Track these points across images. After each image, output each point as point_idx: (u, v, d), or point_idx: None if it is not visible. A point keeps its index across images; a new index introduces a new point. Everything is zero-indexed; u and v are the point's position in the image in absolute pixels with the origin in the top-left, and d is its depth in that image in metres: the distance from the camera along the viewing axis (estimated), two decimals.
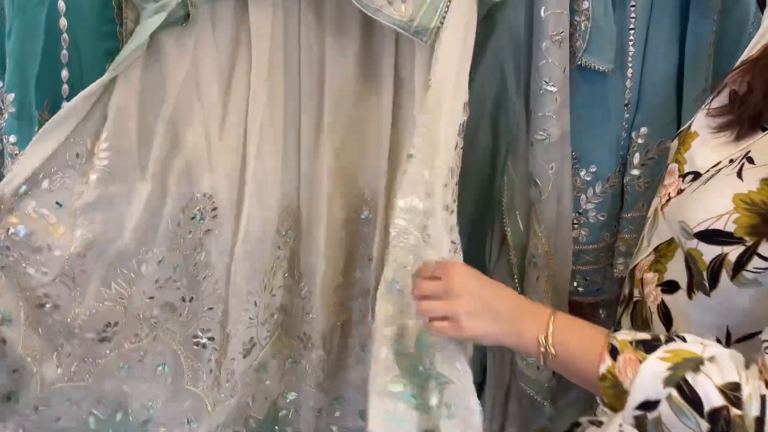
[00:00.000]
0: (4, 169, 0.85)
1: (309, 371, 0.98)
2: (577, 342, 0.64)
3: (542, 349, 0.64)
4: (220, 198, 0.87)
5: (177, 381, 0.93)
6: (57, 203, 0.79)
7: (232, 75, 0.85)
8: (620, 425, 0.61)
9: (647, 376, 0.57)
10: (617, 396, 0.59)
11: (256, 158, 0.86)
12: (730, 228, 0.62)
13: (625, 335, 0.61)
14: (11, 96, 0.79)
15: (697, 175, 0.70)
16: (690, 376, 0.55)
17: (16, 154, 0.80)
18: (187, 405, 0.93)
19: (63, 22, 0.77)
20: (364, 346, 0.98)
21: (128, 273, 0.85)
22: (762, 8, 0.84)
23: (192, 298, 0.90)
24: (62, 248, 0.79)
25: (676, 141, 0.78)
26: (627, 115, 0.96)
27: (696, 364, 0.56)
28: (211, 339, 0.92)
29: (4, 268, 0.78)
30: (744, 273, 0.61)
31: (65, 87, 0.79)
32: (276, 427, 1.01)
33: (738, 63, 0.75)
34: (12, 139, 0.80)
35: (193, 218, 0.86)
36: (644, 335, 0.61)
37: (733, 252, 0.62)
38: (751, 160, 0.64)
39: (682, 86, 0.96)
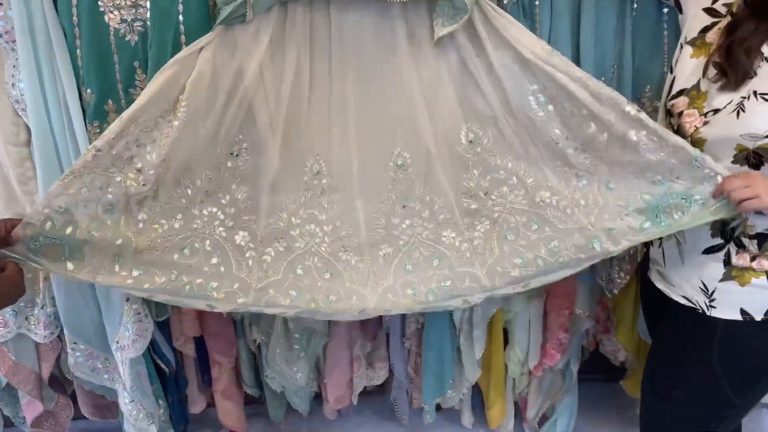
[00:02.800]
0: None
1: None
2: None
3: None
4: (250, 142, 1.28)
5: (227, 268, 1.30)
6: (153, 140, 1.20)
7: (282, 62, 1.26)
8: None
9: None
10: None
11: (284, 121, 1.28)
12: None
13: None
14: None
15: (717, 110, 1.12)
16: None
17: None
18: (236, 286, 1.30)
19: (182, 38, 1.28)
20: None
21: (189, 183, 1.26)
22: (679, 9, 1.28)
23: (232, 210, 1.30)
24: (154, 168, 1.20)
25: (685, 98, 1.17)
26: None
27: None
28: (248, 239, 1.31)
29: (117, 183, 1.19)
30: None
31: None
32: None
33: (683, 44, 1.22)
34: None
35: (231, 153, 1.29)
36: None
37: None
38: (763, 94, 1.06)
39: None
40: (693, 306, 1.25)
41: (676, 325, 1.31)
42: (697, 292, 1.24)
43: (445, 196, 1.34)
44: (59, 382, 1.69)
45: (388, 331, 1.80)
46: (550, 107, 1.24)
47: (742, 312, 1.19)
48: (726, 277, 1.19)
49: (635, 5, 1.40)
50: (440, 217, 1.36)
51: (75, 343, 1.51)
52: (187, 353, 1.69)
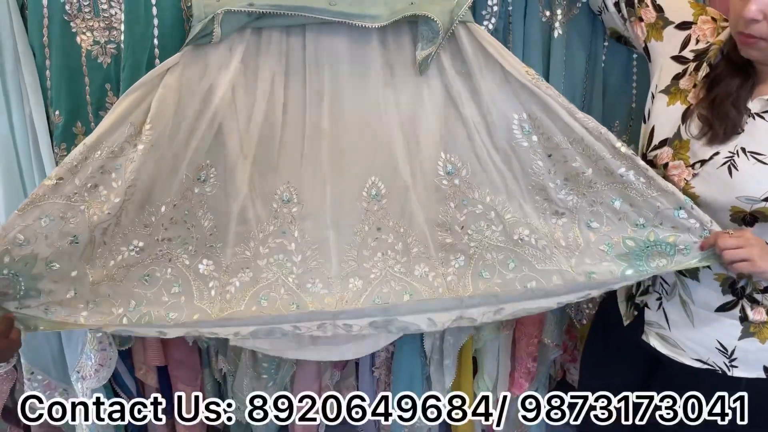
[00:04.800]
0: None
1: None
2: None
3: None
4: (218, 167, 1.24)
5: (188, 298, 1.25)
6: (119, 166, 1.15)
7: (255, 86, 1.22)
8: None
9: None
10: None
11: (256, 146, 1.24)
12: None
13: None
14: None
15: (703, 161, 1.11)
16: None
17: None
18: (196, 317, 1.24)
19: (157, 62, 1.25)
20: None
21: (153, 210, 1.22)
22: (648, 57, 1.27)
23: (198, 237, 1.26)
24: (120, 196, 1.16)
25: (668, 148, 1.15)
26: None
27: None
28: (212, 268, 1.27)
29: (81, 212, 1.13)
30: None
31: None
32: None
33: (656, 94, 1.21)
34: None
35: (198, 179, 1.24)
36: None
37: None
38: (753, 152, 1.06)
39: None
40: (710, 367, 1.20)
41: (688, 388, 1.25)
42: (714, 353, 1.20)
43: (419, 229, 1.31)
44: (13, 413, 1.61)
45: (357, 360, 1.78)
46: (534, 137, 1.23)
47: (766, 369, 1.17)
48: (745, 334, 1.16)
49: (606, 43, 1.44)
50: (414, 250, 1.32)
51: (32, 374, 1.45)
52: (149, 383, 1.64)
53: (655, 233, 1.21)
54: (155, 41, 1.25)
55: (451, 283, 1.31)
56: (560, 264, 1.27)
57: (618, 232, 1.25)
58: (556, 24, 1.37)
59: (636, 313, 1.33)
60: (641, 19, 1.24)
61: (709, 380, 1.21)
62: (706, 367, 1.21)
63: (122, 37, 1.25)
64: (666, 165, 1.17)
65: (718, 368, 1.20)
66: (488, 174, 1.28)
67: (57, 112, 1.29)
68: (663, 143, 1.18)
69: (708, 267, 1.19)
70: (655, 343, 1.29)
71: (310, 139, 1.27)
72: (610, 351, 1.43)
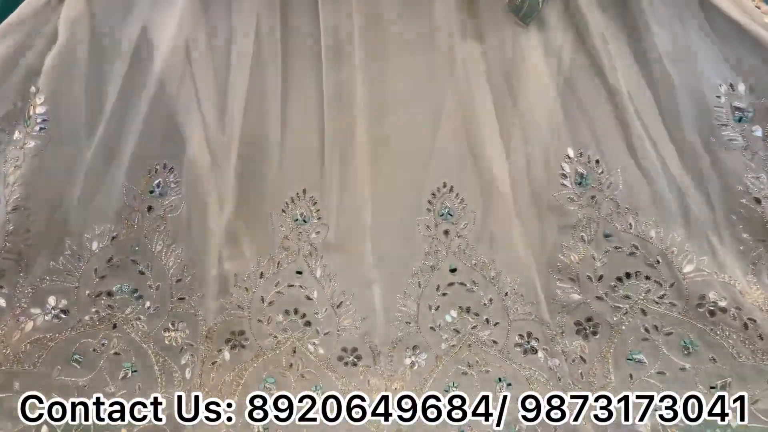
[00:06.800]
0: None
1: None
2: None
3: None
4: (184, 171, 0.81)
5: (148, 384, 0.84)
6: None
7: (228, 34, 0.82)
8: None
9: None
10: None
11: (240, 134, 0.81)
12: None
13: None
14: None
15: None
16: None
17: None
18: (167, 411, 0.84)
19: None
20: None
21: (77, 247, 0.81)
22: None
23: (158, 285, 0.83)
24: None
25: None
26: None
27: None
28: (185, 335, 0.84)
29: None
30: None
31: None
32: None
33: None
34: None
35: (150, 192, 0.81)
36: None
37: None
38: None
39: None
40: None
41: None
42: None
43: (523, 274, 0.84)
44: None
45: None
46: (757, 129, 0.77)
47: None
48: None
49: None
50: (514, 308, 0.85)
51: None
52: None
53: None
54: None
55: (577, 367, 0.85)
56: None
57: None
58: None
59: None
60: None
61: None
62: None
63: None
64: None
65: None
66: (655, 189, 0.81)
67: None
68: None
69: None
70: None
71: (334, 122, 0.83)
72: None
